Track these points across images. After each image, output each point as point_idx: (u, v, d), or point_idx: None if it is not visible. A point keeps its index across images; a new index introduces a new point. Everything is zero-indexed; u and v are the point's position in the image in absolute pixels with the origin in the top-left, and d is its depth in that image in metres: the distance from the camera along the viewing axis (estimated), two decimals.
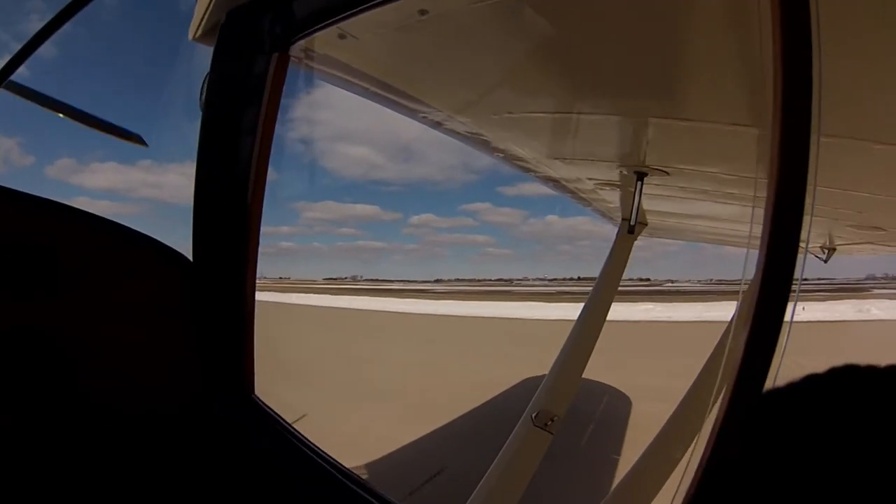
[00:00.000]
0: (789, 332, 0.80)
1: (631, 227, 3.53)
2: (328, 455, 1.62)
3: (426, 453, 7.42)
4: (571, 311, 3.79)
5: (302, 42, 1.81)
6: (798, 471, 0.70)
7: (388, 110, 2.62)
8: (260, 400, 1.81)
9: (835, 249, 4.68)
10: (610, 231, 3.98)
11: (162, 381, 1.73)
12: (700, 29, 1.58)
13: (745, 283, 0.91)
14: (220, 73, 1.76)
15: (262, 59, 1.67)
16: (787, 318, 0.78)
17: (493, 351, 14.66)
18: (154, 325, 1.73)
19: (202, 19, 1.95)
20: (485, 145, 3.22)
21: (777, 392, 0.78)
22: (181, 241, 1.78)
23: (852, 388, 0.74)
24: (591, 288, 3.78)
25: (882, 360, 0.71)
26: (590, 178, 3.60)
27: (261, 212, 1.73)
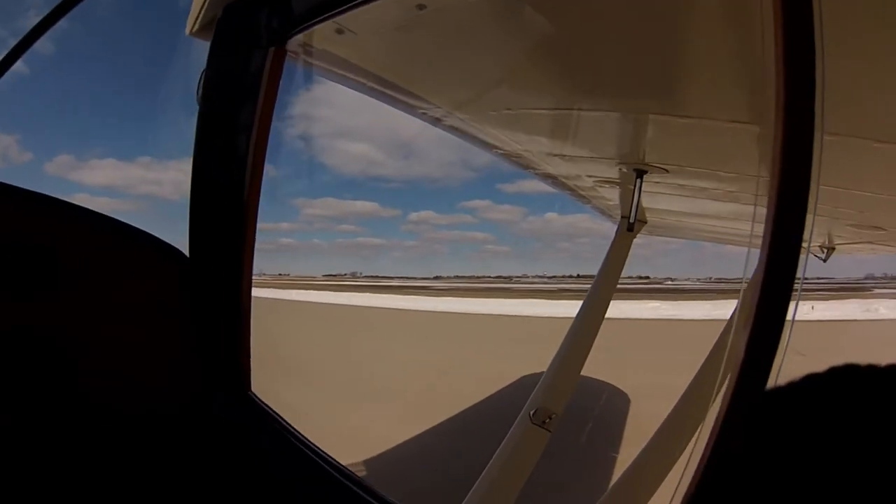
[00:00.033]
0: (791, 331, 0.79)
1: (630, 225, 3.52)
2: (324, 451, 1.62)
3: (424, 450, 7.42)
4: (572, 308, 3.76)
5: (299, 37, 1.80)
6: (798, 470, 0.70)
7: (388, 107, 2.62)
8: (256, 397, 1.81)
9: (834, 249, 4.67)
10: (609, 229, 3.98)
11: (162, 380, 1.72)
12: (700, 25, 1.56)
13: (747, 282, 0.90)
14: (217, 68, 1.75)
15: (259, 54, 1.66)
16: (788, 317, 0.78)
17: (493, 348, 14.65)
18: (154, 324, 1.72)
19: (199, 14, 1.94)
20: (484, 142, 3.21)
21: (777, 391, 0.77)
22: (182, 238, 1.78)
23: (852, 387, 0.73)
24: (590, 286, 3.77)
25: None
26: (589, 176, 3.58)
27: (257, 207, 1.72)
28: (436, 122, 2.76)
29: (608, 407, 9.18)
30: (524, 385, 9.14)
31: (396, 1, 1.54)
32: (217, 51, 1.74)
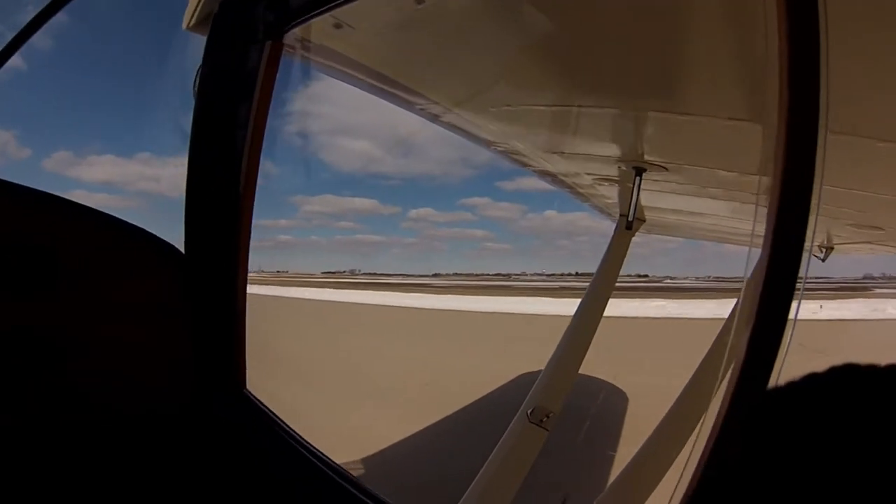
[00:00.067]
0: (793, 330, 0.78)
1: (629, 223, 3.51)
2: (318, 450, 1.61)
3: (421, 448, 7.43)
4: (572, 306, 3.76)
5: (297, 32, 1.78)
6: (798, 470, 0.70)
7: (387, 103, 2.60)
8: (252, 395, 1.80)
9: (832, 248, 4.67)
10: (608, 227, 3.97)
11: (161, 379, 1.72)
12: (700, 21, 1.55)
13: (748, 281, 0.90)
14: (213, 63, 1.73)
15: (256, 48, 1.64)
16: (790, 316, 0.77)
17: (493, 346, 14.66)
18: (153, 323, 1.72)
19: (196, 8, 1.92)
20: (483, 139, 3.20)
21: (777, 391, 0.77)
22: (181, 236, 1.77)
23: (852, 387, 0.73)
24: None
25: None
26: (588, 173, 3.57)
27: (252, 204, 1.70)
28: (434, 118, 2.74)
29: (606, 406, 9.18)
30: (522, 383, 9.14)
31: None
32: (213, 45, 1.72)
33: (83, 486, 1.56)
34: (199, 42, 1.84)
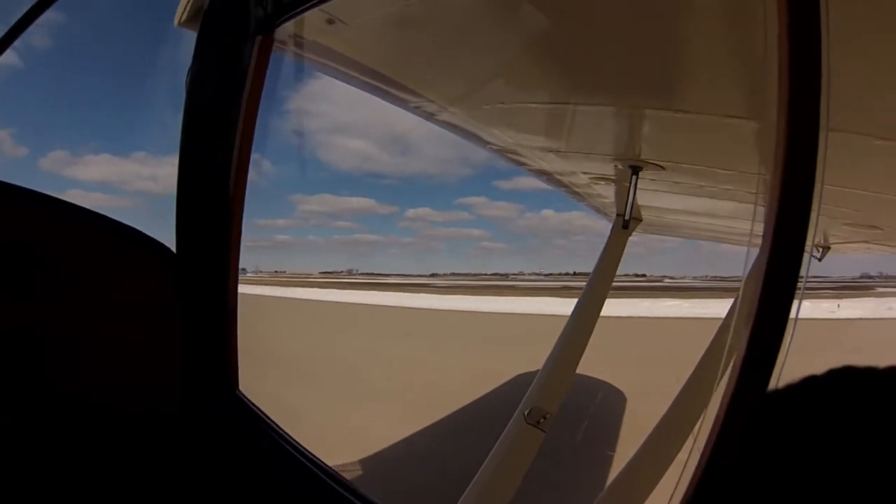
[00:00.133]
0: (794, 330, 0.77)
1: (625, 223, 3.50)
2: (309, 451, 1.60)
3: (419, 450, 7.42)
4: (570, 306, 3.75)
5: (290, 28, 1.76)
6: (797, 472, 0.70)
7: (384, 102, 2.59)
8: (244, 396, 1.78)
9: (829, 248, 4.67)
10: (606, 226, 3.96)
11: (157, 380, 1.71)
12: (697, 18, 1.54)
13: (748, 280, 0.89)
14: (204, 58, 1.71)
15: (246, 43, 1.62)
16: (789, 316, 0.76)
17: (492, 347, 14.68)
18: (149, 324, 1.71)
19: (187, 4, 1.90)
20: (478, 137, 3.18)
21: (776, 393, 0.76)
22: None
23: (851, 389, 0.73)
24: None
25: None
26: (584, 172, 3.56)
27: (243, 201, 1.68)
28: (429, 116, 2.72)
29: (604, 405, 9.19)
30: (519, 384, 9.14)
31: None
32: (203, 41, 1.70)
33: (82, 485, 1.56)
34: (193, 39, 1.82)
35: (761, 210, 0.84)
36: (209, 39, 1.69)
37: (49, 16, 1.94)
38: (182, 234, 1.72)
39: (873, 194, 2.69)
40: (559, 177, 3.91)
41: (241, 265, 1.75)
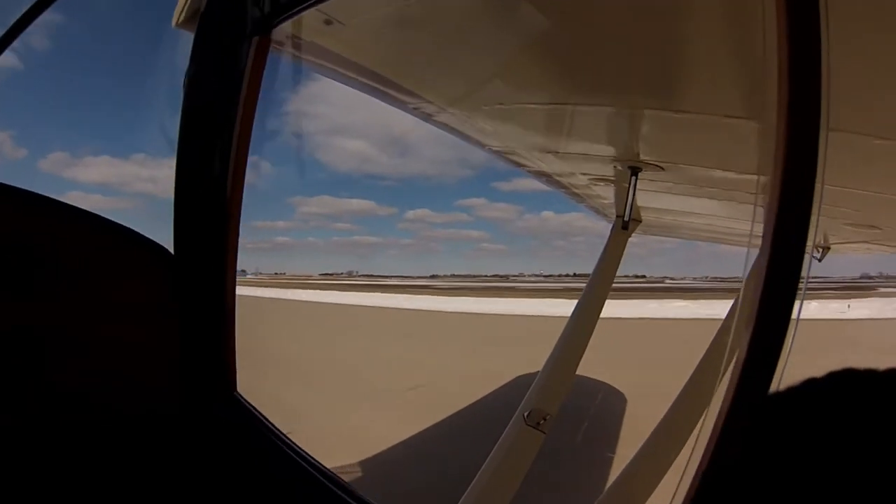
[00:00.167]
0: (795, 331, 0.77)
1: (625, 224, 3.50)
2: (306, 452, 1.60)
3: (419, 452, 7.42)
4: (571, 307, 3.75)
5: (288, 29, 1.76)
6: (797, 474, 0.69)
7: (383, 103, 2.58)
8: (241, 397, 1.78)
9: (829, 248, 4.67)
10: (606, 228, 3.96)
11: (154, 380, 1.71)
12: (696, 18, 1.53)
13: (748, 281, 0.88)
14: (201, 60, 1.71)
15: (243, 44, 1.62)
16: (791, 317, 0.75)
17: (492, 348, 14.69)
18: (148, 325, 1.71)
19: (185, 5, 1.90)
20: (476, 139, 3.18)
21: (776, 396, 0.76)
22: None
23: (851, 391, 0.73)
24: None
25: None
26: (583, 174, 3.55)
27: (240, 204, 1.68)
28: (427, 117, 2.72)
29: (604, 407, 9.19)
30: (519, 385, 9.14)
31: None
32: (201, 42, 1.70)
33: (80, 485, 1.56)
34: (191, 40, 1.82)
35: (761, 211, 0.83)
36: (206, 40, 1.69)
37: (48, 17, 1.94)
38: (180, 235, 1.72)
39: (873, 194, 2.69)
40: (558, 178, 3.91)
41: (240, 267, 1.75)
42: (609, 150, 2.89)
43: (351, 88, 2.50)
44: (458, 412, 9.00)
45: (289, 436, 1.68)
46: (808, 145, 0.78)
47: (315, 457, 1.61)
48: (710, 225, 4.71)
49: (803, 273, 0.77)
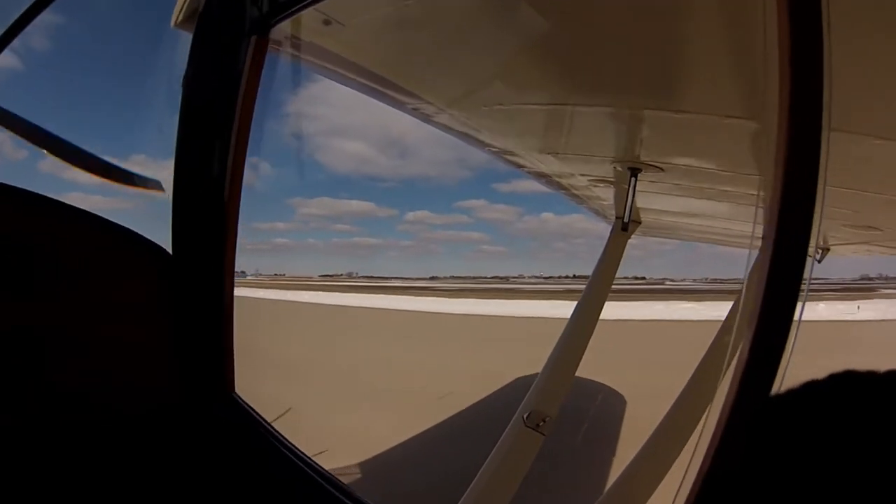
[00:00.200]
0: (797, 332, 0.76)
1: (625, 225, 3.49)
2: (303, 453, 1.61)
3: (418, 453, 7.41)
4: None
5: (286, 30, 1.75)
6: (798, 476, 0.69)
7: (383, 104, 2.58)
8: (239, 398, 1.78)
9: (828, 249, 4.67)
10: (605, 229, 3.95)
11: (153, 380, 1.71)
12: (696, 18, 1.53)
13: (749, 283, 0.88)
14: (199, 60, 1.70)
15: (241, 44, 1.61)
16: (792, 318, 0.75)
17: (492, 349, 14.68)
18: (147, 325, 1.71)
19: (183, 5, 1.89)
20: (476, 140, 3.17)
21: (777, 398, 0.76)
22: None
23: (852, 393, 0.73)
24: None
25: None
26: (583, 175, 3.55)
27: (238, 204, 1.67)
28: (427, 118, 2.71)
29: (604, 408, 9.18)
30: (519, 387, 9.13)
31: None
32: (199, 41, 1.69)
33: (79, 485, 1.56)
34: (189, 40, 1.82)
35: (762, 212, 0.83)
36: (205, 40, 1.68)
37: (47, 17, 1.94)
38: (178, 235, 1.71)
39: (873, 195, 2.68)
40: (558, 179, 3.90)
41: (240, 268, 1.75)
42: (609, 151, 2.89)
43: (350, 89, 2.51)
44: (458, 413, 8.99)
45: (287, 436, 1.68)
46: (809, 145, 0.78)
47: (314, 458, 1.61)
48: (710, 226, 4.71)
49: (805, 274, 0.77)
